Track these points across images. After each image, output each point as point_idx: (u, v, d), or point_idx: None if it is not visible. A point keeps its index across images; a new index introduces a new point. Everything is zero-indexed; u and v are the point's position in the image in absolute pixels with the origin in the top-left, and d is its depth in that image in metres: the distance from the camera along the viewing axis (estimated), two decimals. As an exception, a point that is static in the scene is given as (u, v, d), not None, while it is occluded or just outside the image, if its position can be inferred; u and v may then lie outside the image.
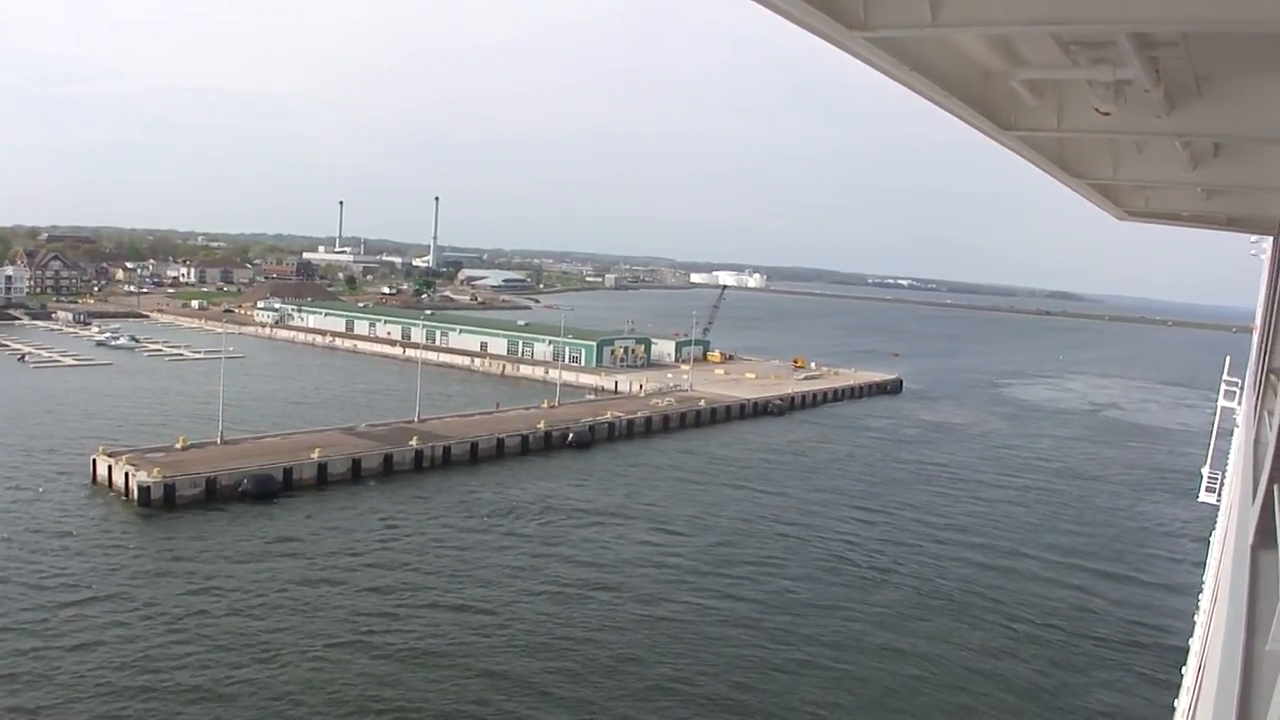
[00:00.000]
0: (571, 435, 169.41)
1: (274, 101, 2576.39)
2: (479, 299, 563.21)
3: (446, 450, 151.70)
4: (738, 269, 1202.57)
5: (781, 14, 15.33)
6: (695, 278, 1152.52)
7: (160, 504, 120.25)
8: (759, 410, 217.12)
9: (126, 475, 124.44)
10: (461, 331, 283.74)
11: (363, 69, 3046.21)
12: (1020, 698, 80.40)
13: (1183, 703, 25.59)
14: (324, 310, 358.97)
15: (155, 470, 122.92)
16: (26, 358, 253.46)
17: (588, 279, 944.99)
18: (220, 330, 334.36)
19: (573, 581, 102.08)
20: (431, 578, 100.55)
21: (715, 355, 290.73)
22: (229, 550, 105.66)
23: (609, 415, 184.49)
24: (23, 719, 67.13)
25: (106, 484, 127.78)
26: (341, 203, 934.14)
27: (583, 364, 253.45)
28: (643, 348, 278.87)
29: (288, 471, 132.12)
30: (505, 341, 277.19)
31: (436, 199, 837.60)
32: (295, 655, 79.23)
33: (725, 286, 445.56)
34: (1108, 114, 21.13)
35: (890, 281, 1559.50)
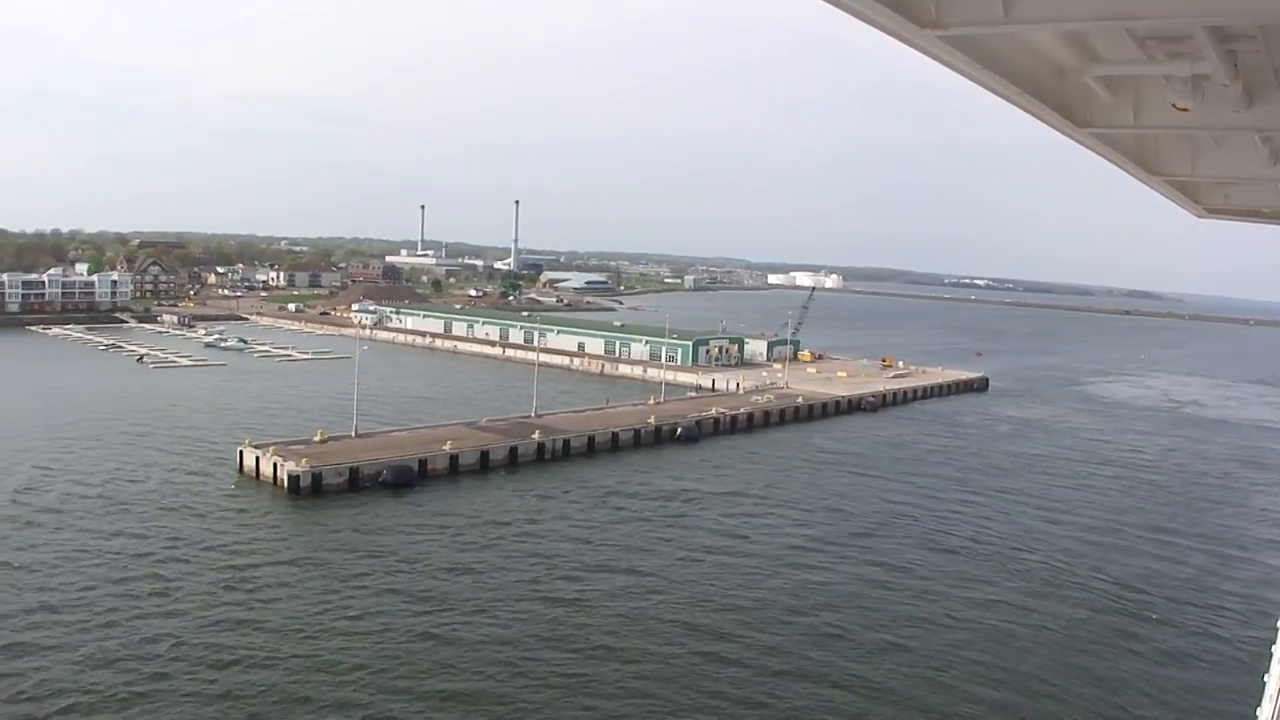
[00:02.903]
0: (680, 429, 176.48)
1: (344, 107, 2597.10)
2: (564, 301, 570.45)
3: (566, 443, 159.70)
4: (813, 269, 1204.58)
5: (853, 13, 15.51)
6: (773, 278, 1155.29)
7: (308, 492, 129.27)
8: (853, 407, 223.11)
9: (275, 465, 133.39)
10: (559, 332, 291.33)
11: (431, 74, 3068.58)
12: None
13: (1265, 711, 24.27)
14: (422, 312, 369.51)
15: (303, 461, 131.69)
16: (145, 359, 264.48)
17: (666, 280, 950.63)
18: (320, 332, 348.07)
19: (718, 550, 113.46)
20: (579, 548, 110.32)
21: (806, 354, 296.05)
22: (379, 532, 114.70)
23: (714, 411, 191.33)
24: (226, 655, 76.75)
25: (254, 474, 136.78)
26: (423, 206, 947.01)
27: (679, 363, 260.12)
28: (736, 347, 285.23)
29: (422, 462, 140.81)
30: (602, 342, 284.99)
31: (517, 202, 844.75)
32: (467, 619, 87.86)
33: (814, 288, 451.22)
34: (1185, 109, 21.10)
35: (967, 281, 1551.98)
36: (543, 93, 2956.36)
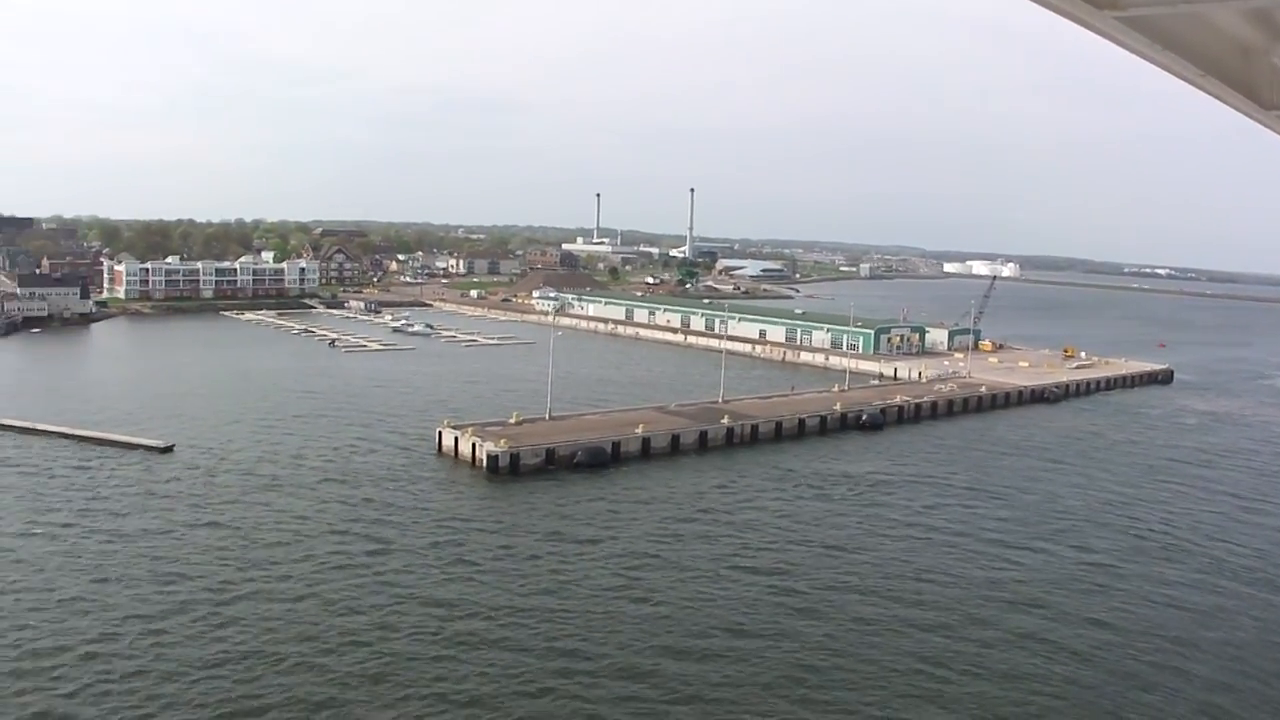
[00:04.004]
0: (865, 416, 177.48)
1: (510, 96, 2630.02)
2: (740, 288, 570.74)
3: (754, 428, 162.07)
4: (989, 258, 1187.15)
5: (1029, -3, 14.60)
6: (948, 267, 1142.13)
7: (506, 471, 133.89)
8: (1035, 397, 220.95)
9: (474, 446, 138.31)
10: (740, 319, 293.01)
11: (595, 62, 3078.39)
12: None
13: None
14: (603, 299, 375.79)
15: (501, 441, 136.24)
16: (336, 343, 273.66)
17: (841, 269, 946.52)
18: (502, 318, 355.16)
19: (911, 530, 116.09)
20: (774, 524, 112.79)
21: (987, 344, 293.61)
22: (579, 509, 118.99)
23: (898, 399, 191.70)
24: (442, 610, 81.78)
25: (453, 453, 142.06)
26: (599, 194, 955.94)
27: (860, 351, 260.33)
28: (918, 336, 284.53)
29: (615, 445, 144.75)
30: (784, 329, 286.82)
31: (692, 190, 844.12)
32: (673, 585, 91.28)
33: (995, 277, 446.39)
34: None
35: (1147, 270, 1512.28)
36: (711, 79, 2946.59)
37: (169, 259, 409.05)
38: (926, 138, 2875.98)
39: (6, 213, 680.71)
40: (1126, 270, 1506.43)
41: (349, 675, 73.64)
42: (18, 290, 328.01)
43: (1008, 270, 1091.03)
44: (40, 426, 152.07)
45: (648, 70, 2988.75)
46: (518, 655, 77.68)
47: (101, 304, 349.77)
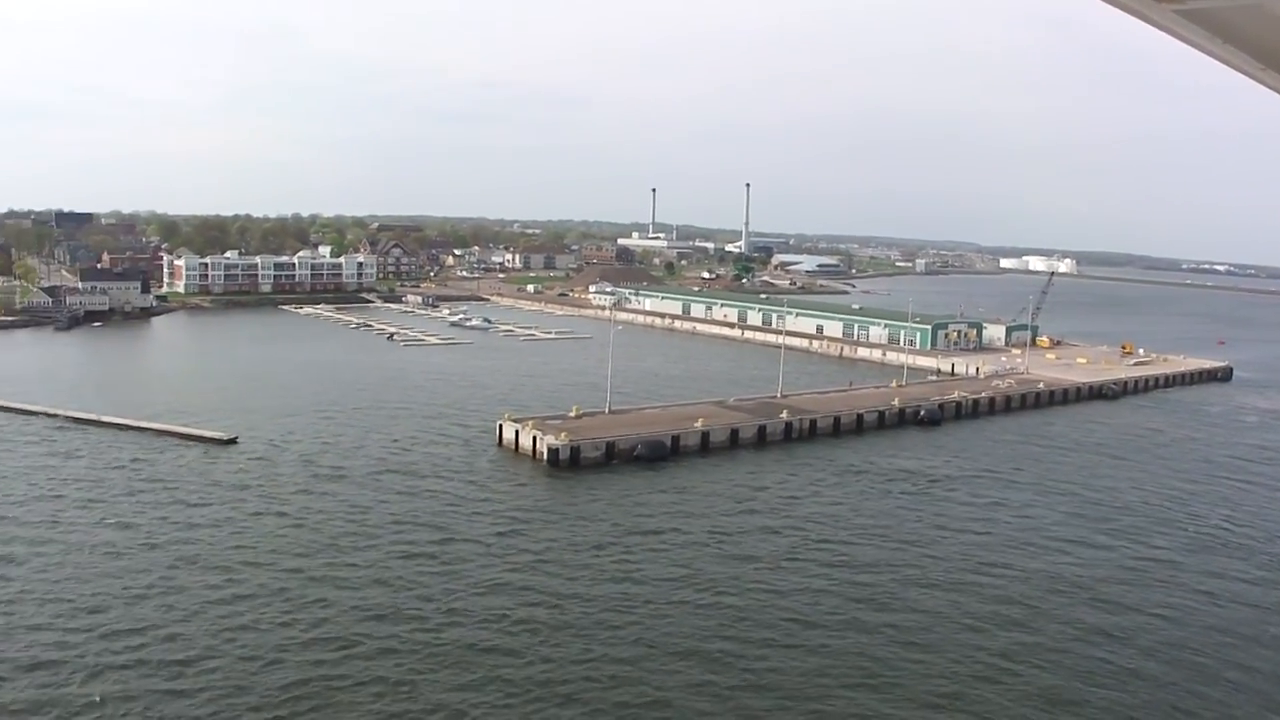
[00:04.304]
0: (923, 412, 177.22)
1: (570, 91, 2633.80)
2: (796, 284, 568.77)
3: (813, 423, 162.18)
4: (1046, 254, 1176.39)
5: (1088, -9, 14.83)
6: (1004, 263, 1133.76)
7: (567, 464, 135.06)
8: (1094, 394, 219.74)
9: (534, 439, 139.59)
10: (797, 315, 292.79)
11: (650, 58, 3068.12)
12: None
13: None
14: (660, 294, 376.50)
15: (562, 435, 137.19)
16: (394, 337, 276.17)
17: (897, 264, 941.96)
18: (559, 312, 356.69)
19: (972, 524, 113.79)
20: (835, 518, 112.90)
21: (1044, 340, 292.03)
22: (641, 502, 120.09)
23: (955, 395, 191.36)
24: (509, 598, 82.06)
25: (513, 446, 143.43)
26: (654, 190, 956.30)
27: (917, 346, 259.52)
28: (975, 332, 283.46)
29: (675, 439, 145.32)
30: (841, 325, 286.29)
31: (748, 185, 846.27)
32: (733, 577, 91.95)
33: (1054, 273, 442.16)
34: None
35: (1206, 266, 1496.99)
36: (766, 74, 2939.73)
37: (228, 254, 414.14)
38: (981, 131, 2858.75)
39: (66, 208, 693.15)
40: (1185, 266, 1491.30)
41: (419, 659, 75.20)
42: (80, 284, 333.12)
43: (1064, 266, 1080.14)
44: (106, 419, 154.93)
45: (704, 66, 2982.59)
46: (585, 642, 78.96)
47: (161, 298, 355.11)
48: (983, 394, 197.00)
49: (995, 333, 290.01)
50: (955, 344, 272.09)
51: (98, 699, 67.87)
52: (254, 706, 67.65)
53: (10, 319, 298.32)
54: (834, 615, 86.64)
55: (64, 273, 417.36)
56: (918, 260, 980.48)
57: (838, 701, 71.37)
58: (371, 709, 68.04)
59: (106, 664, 72.88)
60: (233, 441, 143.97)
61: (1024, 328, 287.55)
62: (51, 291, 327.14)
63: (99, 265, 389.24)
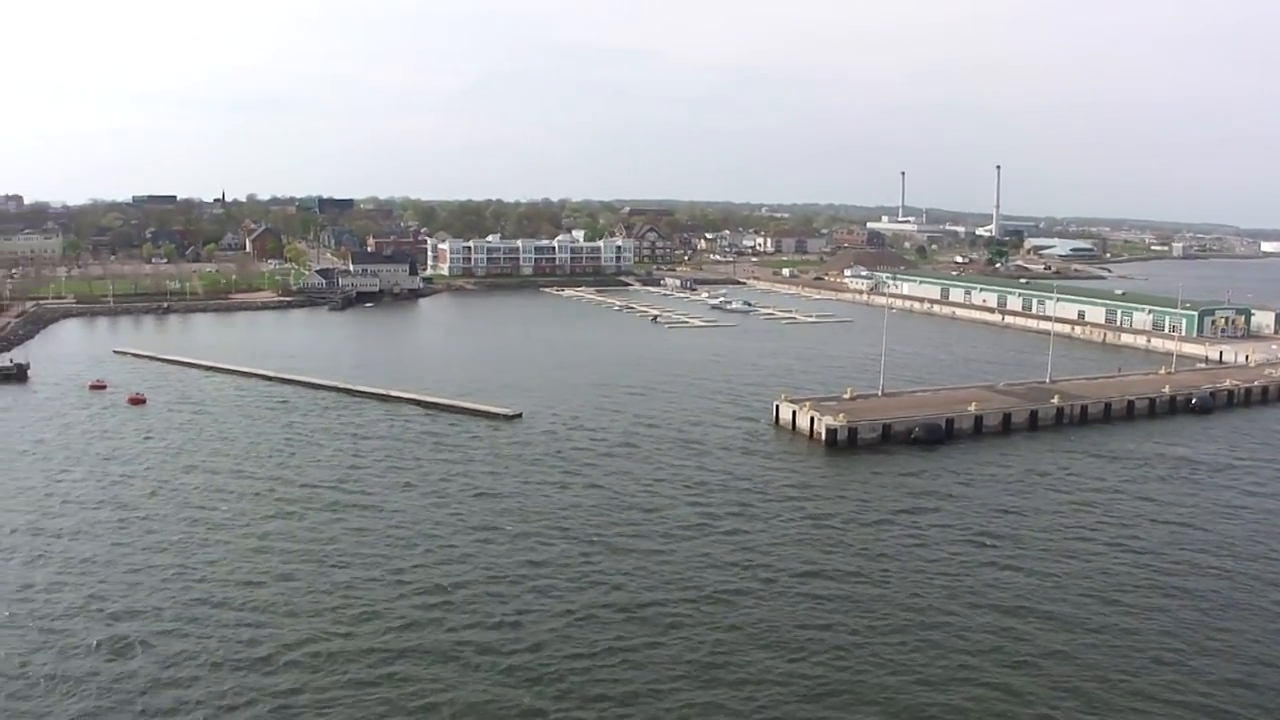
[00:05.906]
0: (1195, 399, 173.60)
1: (807, 74, 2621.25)
2: (1051, 268, 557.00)
3: (1084, 409, 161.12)
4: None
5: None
6: (1265, 246, 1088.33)
7: (844, 445, 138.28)
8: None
9: (812, 420, 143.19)
10: (1058, 300, 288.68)
11: (889, 37, 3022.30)
12: None
13: None
14: (918, 278, 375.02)
15: (839, 416, 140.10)
16: (658, 319, 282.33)
17: (1152, 248, 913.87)
18: (816, 296, 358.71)
19: (1269, 513, 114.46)
20: (1118, 503, 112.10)
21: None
22: (927, 482, 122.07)
23: (1228, 383, 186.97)
24: (805, 566, 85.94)
25: (790, 426, 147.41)
26: (904, 173, 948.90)
27: (1182, 333, 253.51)
28: (1243, 318, 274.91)
29: (949, 422, 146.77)
30: (1103, 310, 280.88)
31: (998, 168, 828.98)
32: (1013, 555, 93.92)
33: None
34: None
35: None
36: (1010, 54, 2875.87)
37: (489, 237, 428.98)
38: (1229, 110, 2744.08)
39: (327, 194, 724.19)
40: None
41: (726, 624, 79.75)
42: (351, 267, 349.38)
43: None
44: (395, 393, 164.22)
45: (949, 44, 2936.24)
46: (886, 608, 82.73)
47: (427, 280, 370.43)
48: (1255, 382, 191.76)
49: (1264, 319, 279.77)
50: (1223, 331, 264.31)
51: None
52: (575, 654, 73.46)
53: (287, 299, 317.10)
54: (1129, 595, 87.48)
55: (330, 256, 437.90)
56: (1174, 244, 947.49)
57: (1143, 679, 72.63)
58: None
59: (419, 619, 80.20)
60: (518, 417, 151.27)
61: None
62: (325, 273, 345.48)
63: (367, 249, 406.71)
